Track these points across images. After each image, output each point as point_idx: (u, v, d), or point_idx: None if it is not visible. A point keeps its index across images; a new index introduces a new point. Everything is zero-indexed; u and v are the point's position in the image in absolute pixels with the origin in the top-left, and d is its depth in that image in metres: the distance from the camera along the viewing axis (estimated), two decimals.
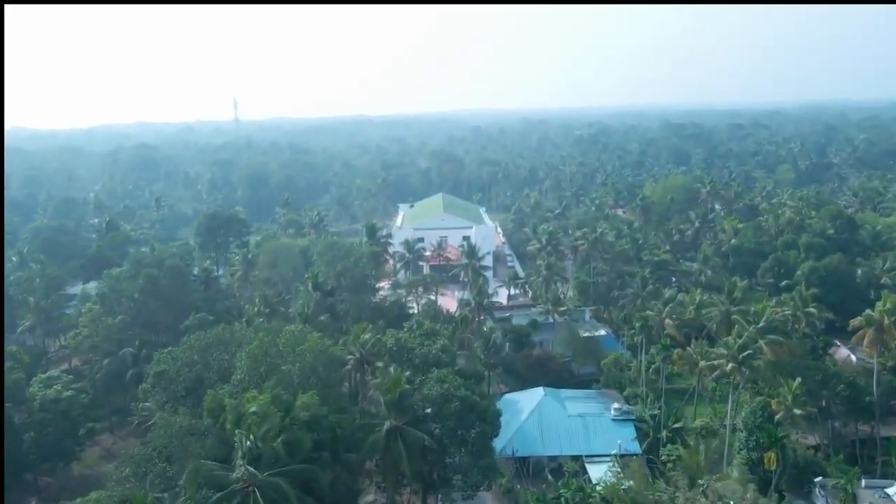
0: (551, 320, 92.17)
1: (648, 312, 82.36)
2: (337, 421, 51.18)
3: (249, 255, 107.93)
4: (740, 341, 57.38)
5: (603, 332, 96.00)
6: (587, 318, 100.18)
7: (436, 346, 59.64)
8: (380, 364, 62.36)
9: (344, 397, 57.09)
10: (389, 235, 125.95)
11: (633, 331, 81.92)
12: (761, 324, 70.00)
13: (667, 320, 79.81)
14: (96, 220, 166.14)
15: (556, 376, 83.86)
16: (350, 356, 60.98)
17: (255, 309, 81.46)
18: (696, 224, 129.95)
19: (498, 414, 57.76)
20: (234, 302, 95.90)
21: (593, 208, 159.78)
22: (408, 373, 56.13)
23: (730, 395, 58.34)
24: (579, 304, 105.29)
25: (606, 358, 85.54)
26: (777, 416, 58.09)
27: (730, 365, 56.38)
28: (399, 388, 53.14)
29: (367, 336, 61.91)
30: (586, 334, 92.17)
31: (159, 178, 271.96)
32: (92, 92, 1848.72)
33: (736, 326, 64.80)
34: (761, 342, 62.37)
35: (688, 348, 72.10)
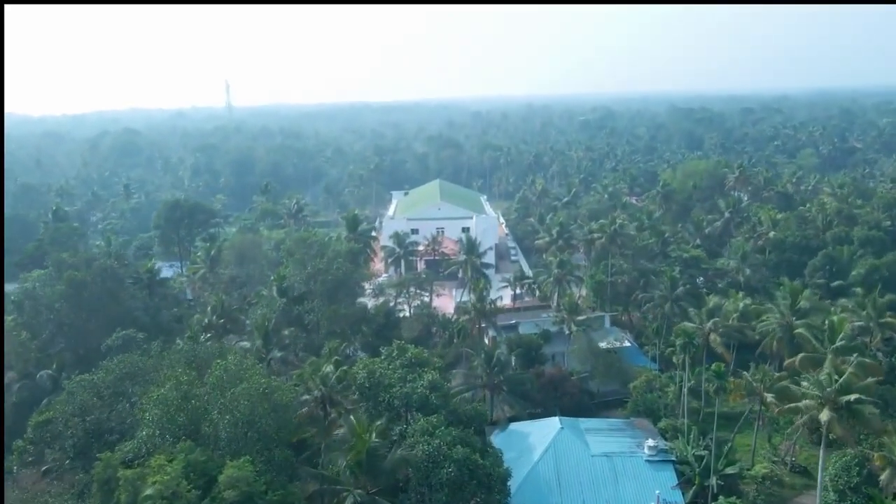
0: (567, 331, 76.73)
1: (687, 324, 67.22)
2: (281, 498, 36.25)
3: (213, 252, 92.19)
4: (840, 380, 41.47)
5: (627, 344, 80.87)
6: (607, 325, 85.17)
7: (422, 382, 44.31)
8: (354, 397, 47.49)
9: (297, 453, 41.98)
10: (375, 228, 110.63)
11: (671, 349, 66.69)
12: (838, 342, 55.01)
13: (712, 335, 64.47)
14: (66, 209, 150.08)
15: (573, 399, 69.20)
16: (307, 396, 45.59)
17: (206, 320, 66.18)
18: (726, 214, 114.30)
19: (506, 477, 42.76)
20: (188, 310, 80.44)
21: (606, 196, 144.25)
22: (380, 421, 41.08)
23: (821, 451, 42.79)
24: (594, 305, 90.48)
25: (633, 377, 70.52)
26: (882, 477, 42.81)
27: (826, 413, 40.57)
28: (366, 445, 38.18)
29: (329, 368, 46.42)
30: (608, 346, 77.07)
31: (140, 164, 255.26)
32: (87, 78, 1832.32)
33: (834, 360, 48.92)
34: (849, 369, 46.63)
35: (744, 374, 56.72)
